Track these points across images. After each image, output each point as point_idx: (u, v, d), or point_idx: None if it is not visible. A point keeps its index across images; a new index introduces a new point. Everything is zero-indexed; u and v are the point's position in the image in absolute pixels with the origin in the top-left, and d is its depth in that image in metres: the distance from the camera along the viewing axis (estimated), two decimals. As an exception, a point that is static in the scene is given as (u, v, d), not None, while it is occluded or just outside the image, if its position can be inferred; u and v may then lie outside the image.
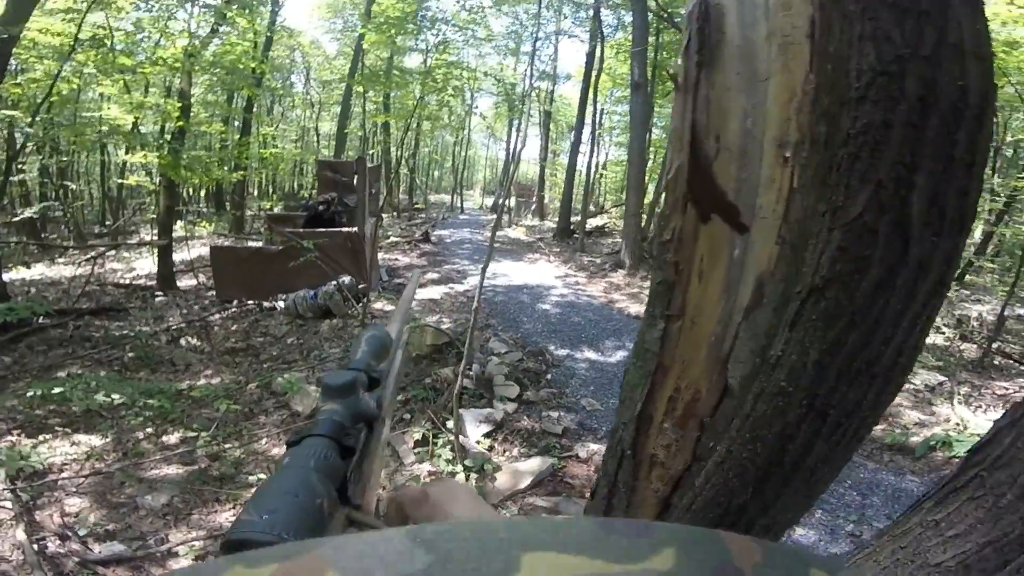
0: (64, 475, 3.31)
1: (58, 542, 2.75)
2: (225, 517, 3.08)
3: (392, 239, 13.38)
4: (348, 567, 0.18)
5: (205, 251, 9.18)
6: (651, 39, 12.68)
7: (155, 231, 9.55)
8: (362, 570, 0.18)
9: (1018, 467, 0.98)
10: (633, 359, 1.03)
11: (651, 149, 16.33)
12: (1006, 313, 6.90)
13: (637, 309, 8.20)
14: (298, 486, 0.34)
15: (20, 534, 2.70)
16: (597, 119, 19.50)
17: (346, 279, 6.83)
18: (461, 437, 3.84)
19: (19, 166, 10.33)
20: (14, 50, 6.42)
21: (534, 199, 22.77)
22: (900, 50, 0.93)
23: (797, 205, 0.83)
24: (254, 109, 14.75)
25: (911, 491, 3.59)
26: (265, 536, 0.30)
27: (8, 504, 2.93)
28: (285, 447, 0.40)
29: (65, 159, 14.65)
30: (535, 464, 3.68)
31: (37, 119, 8.04)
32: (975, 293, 9.66)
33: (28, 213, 10.33)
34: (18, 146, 9.91)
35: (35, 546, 2.66)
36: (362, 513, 0.41)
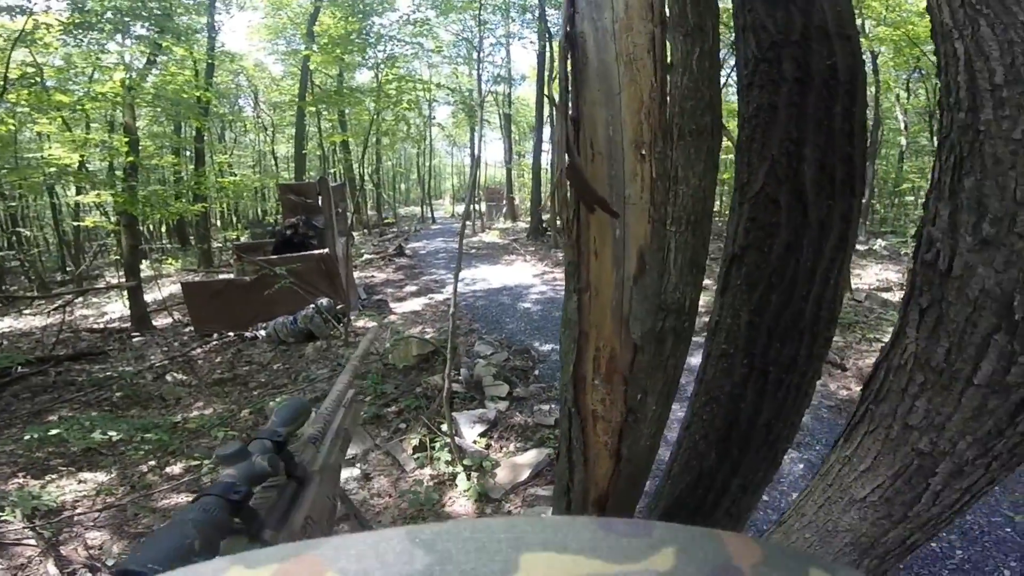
0: (79, 511, 3.36)
1: (88, 574, 2.82)
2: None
3: (366, 256, 13.35)
4: (348, 567, 0.18)
5: (176, 288, 9.05)
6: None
7: (120, 273, 9.36)
8: (361, 570, 0.18)
9: (895, 399, 1.01)
10: (562, 329, 1.17)
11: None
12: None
13: (613, 299, 8.37)
14: (170, 531, 0.42)
15: (52, 568, 2.75)
16: (555, 117, 19.69)
17: (324, 301, 6.85)
18: (457, 439, 3.95)
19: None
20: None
21: (504, 202, 22.89)
22: (775, 37, 1.07)
23: (659, 190, 1.00)
24: (205, 138, 14.47)
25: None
26: (136, 566, 0.38)
27: (32, 542, 2.99)
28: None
29: (13, 204, 14.08)
30: (532, 456, 3.81)
31: None
32: None
33: (-16, 265, 10.00)
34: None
35: None
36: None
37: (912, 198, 13.84)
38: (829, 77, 1.06)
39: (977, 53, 0.81)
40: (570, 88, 0.98)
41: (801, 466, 3.63)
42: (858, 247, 9.51)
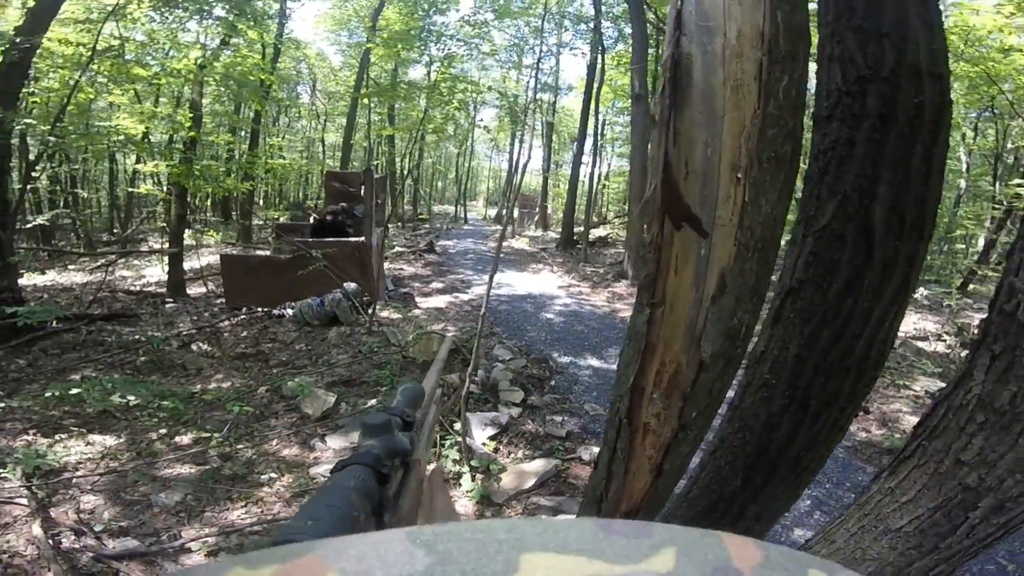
0: (79, 473, 3.39)
1: (73, 537, 2.81)
2: (236, 514, 3.16)
3: (397, 249, 13.51)
4: (348, 568, 0.18)
5: (213, 259, 9.30)
6: (651, 51, 12.85)
7: (164, 239, 9.70)
8: (362, 571, 0.18)
9: (951, 436, 1.06)
10: (626, 341, 1.19)
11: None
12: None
13: (639, 318, 8.27)
14: (338, 500, 0.40)
15: (36, 529, 2.77)
16: (599, 130, 19.69)
17: (352, 286, 6.94)
18: (467, 439, 3.93)
19: (33, 174, 10.51)
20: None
21: (537, 210, 22.90)
22: (863, 71, 1.05)
23: (749, 215, 1.02)
24: (261, 120, 14.96)
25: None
26: (307, 538, 0.36)
27: (24, 501, 3.01)
28: (330, 473, 0.47)
29: (76, 167, 14.87)
30: (539, 465, 3.77)
31: (56, 128, 8.22)
32: (978, 302, 9.69)
33: (39, 220, 10.49)
34: (32, 155, 10.12)
35: (51, 541, 2.71)
36: None
37: (963, 246, 13.28)
38: (914, 116, 1.05)
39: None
40: (671, 107, 1.01)
41: (808, 502, 3.52)
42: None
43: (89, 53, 7.37)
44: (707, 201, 1.00)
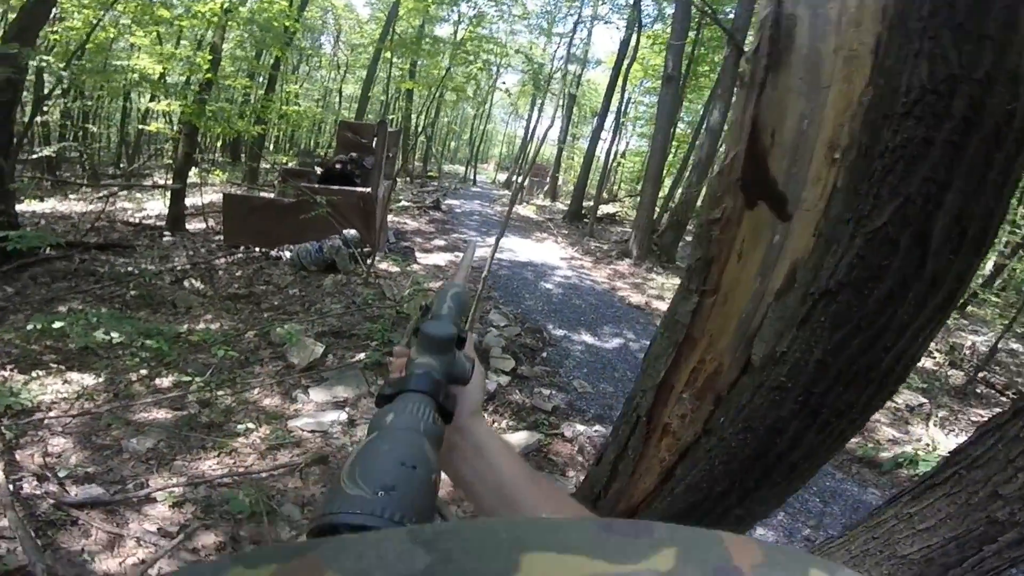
0: (52, 414, 3.27)
1: (35, 483, 2.71)
2: (208, 465, 3.06)
3: (403, 203, 13.36)
4: (348, 567, 0.18)
5: (216, 198, 9.20)
6: (691, 33, 12.44)
7: (169, 176, 9.59)
8: (362, 571, 0.18)
9: (994, 467, 1.00)
10: (661, 330, 1.09)
11: (674, 143, 16.13)
12: (999, 346, 6.88)
13: (639, 299, 8.17)
14: (412, 456, 0.29)
15: None
16: (622, 107, 19.27)
17: (352, 233, 6.83)
18: (451, 403, 3.86)
19: (44, 107, 10.42)
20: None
21: (548, 179, 22.62)
22: (954, 70, 0.93)
23: (838, 203, 0.91)
24: (280, 67, 14.69)
25: (870, 503, 3.64)
26: (381, 522, 0.26)
27: None
28: (376, 402, 0.36)
29: (90, 103, 14.81)
30: (522, 438, 3.71)
31: (72, 64, 8.09)
32: (973, 324, 9.57)
33: (46, 151, 10.44)
34: (47, 90, 9.99)
35: (11, 486, 2.60)
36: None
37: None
38: (1003, 122, 0.93)
39: None
40: (766, 67, 0.91)
41: (782, 514, 3.45)
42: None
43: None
44: (793, 180, 0.89)
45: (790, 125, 0.90)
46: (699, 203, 10.47)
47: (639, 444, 1.11)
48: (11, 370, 3.67)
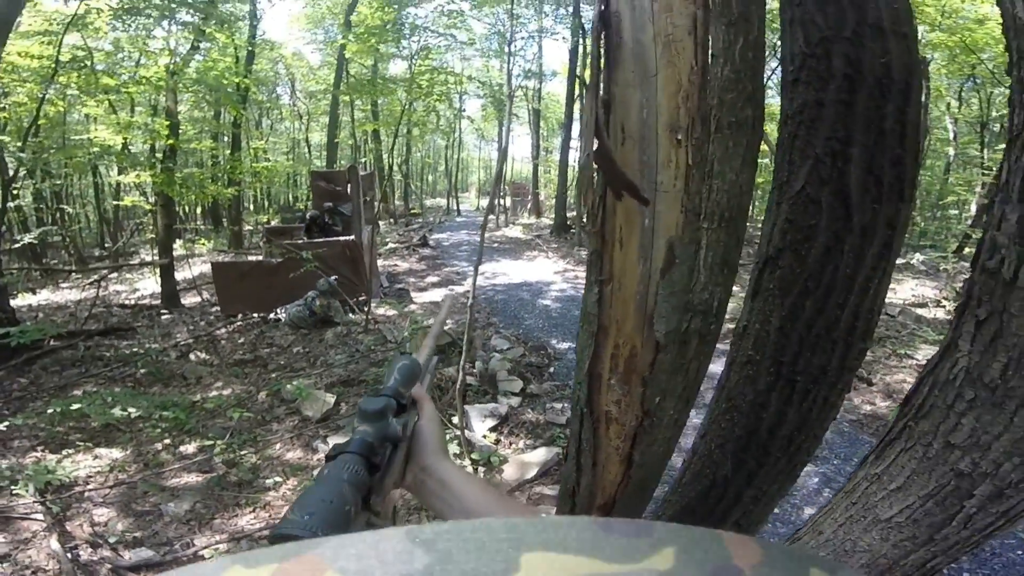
0: (90, 487, 3.43)
1: (90, 550, 2.86)
2: (246, 520, 3.19)
3: (390, 245, 13.47)
4: (347, 567, 0.18)
5: (206, 268, 9.26)
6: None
7: (155, 251, 9.65)
8: (362, 570, 0.18)
9: (938, 416, 0.97)
10: (580, 324, 1.13)
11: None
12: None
13: (634, 300, 8.28)
14: (332, 494, 0.42)
15: (54, 544, 2.82)
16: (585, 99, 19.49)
17: (325, 280, 6.81)
18: (467, 432, 3.96)
19: (14, 191, 10.39)
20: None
21: (529, 197, 22.82)
22: (824, 32, 1.01)
23: (695, 179, 0.96)
24: (241, 124, 14.79)
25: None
26: (304, 532, 0.38)
27: (40, 516, 3.05)
28: (324, 460, 0.48)
29: (59, 182, 14.67)
30: (541, 454, 3.78)
31: (28, 143, 8.09)
32: None
33: (28, 239, 10.37)
34: (11, 172, 9.99)
35: (69, 555, 2.76)
36: (379, 519, 0.48)
37: (956, 212, 13.35)
38: (882, 75, 1.00)
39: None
40: (602, 68, 0.96)
41: (816, 480, 3.53)
42: (893, 259, 9.18)
43: (53, 65, 7.24)
44: (647, 167, 0.95)
45: (634, 117, 0.94)
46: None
47: (590, 435, 1.13)
48: (42, 451, 3.83)
